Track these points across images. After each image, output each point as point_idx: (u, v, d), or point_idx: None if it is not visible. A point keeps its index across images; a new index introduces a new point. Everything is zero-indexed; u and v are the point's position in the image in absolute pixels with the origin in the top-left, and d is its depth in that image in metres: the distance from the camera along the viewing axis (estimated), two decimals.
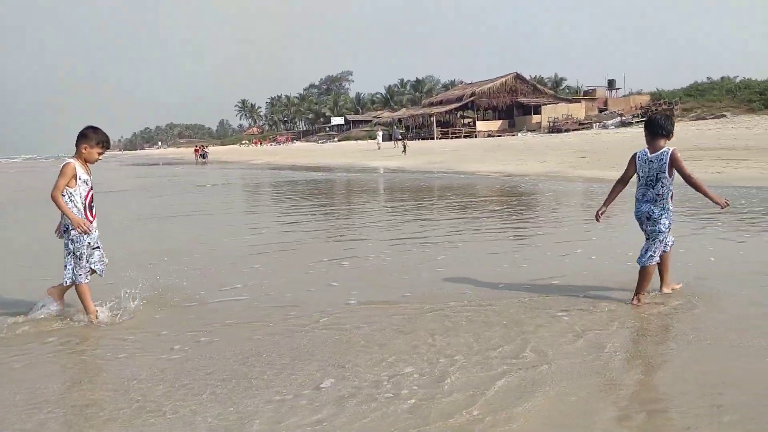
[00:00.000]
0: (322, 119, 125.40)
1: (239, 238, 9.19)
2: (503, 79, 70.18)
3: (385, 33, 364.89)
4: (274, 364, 3.86)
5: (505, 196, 14.65)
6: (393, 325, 4.54)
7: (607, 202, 5.12)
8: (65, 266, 4.85)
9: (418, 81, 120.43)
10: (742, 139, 26.67)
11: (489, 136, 67.68)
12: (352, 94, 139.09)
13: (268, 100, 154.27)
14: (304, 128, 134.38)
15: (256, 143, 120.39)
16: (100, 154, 4.82)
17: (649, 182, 4.80)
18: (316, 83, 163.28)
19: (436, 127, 71.27)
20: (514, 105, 70.31)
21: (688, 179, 4.76)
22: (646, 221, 4.85)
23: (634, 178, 5.03)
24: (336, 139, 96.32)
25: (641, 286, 4.87)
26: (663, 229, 4.77)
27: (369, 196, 16.48)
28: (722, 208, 4.87)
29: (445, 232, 9.14)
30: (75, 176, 4.71)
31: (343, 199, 16.29)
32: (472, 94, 70.23)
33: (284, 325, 4.66)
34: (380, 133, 56.71)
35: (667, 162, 4.68)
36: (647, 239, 4.89)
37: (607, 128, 58.29)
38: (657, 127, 4.78)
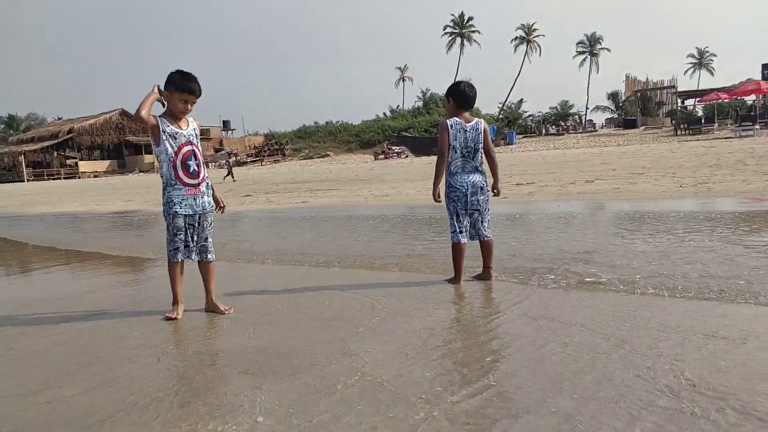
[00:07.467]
0: None
1: None
2: (107, 116, 63.21)
3: None
4: None
5: None
6: None
7: (437, 182, 4.60)
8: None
9: (11, 117, 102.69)
10: (335, 172, 27.90)
11: (95, 177, 59.92)
12: None
13: None
14: None
15: None
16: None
17: (467, 153, 4.55)
18: None
19: (27, 167, 60.17)
20: (123, 144, 63.96)
21: (490, 152, 4.64)
22: (479, 192, 4.57)
23: None
24: None
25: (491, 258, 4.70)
26: (488, 198, 4.69)
27: None
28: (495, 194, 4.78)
29: None
30: None
31: None
32: (71, 131, 61.46)
33: None
34: None
35: (482, 132, 4.56)
36: (479, 212, 4.61)
37: (222, 167, 56.87)
38: (466, 98, 4.53)
